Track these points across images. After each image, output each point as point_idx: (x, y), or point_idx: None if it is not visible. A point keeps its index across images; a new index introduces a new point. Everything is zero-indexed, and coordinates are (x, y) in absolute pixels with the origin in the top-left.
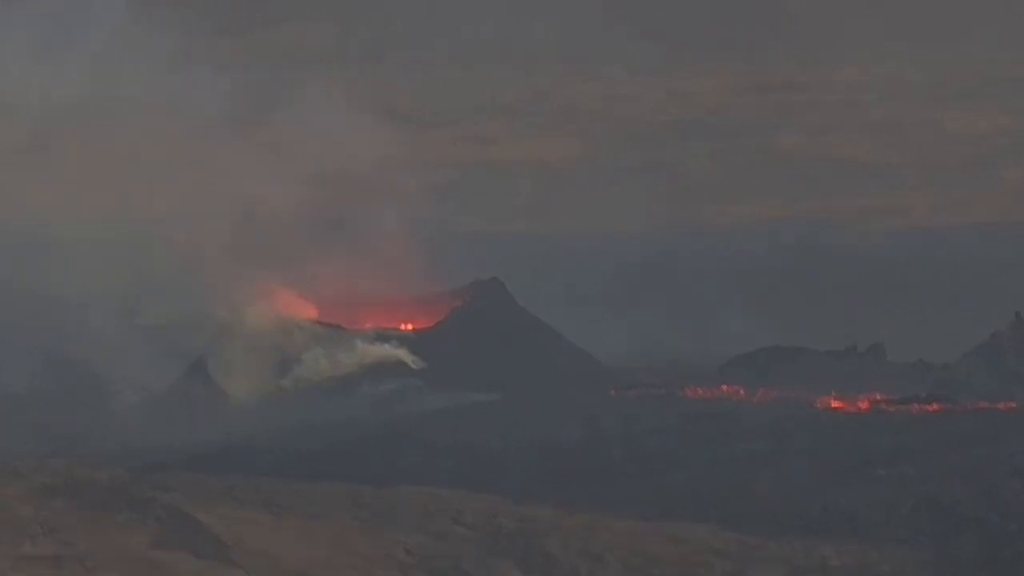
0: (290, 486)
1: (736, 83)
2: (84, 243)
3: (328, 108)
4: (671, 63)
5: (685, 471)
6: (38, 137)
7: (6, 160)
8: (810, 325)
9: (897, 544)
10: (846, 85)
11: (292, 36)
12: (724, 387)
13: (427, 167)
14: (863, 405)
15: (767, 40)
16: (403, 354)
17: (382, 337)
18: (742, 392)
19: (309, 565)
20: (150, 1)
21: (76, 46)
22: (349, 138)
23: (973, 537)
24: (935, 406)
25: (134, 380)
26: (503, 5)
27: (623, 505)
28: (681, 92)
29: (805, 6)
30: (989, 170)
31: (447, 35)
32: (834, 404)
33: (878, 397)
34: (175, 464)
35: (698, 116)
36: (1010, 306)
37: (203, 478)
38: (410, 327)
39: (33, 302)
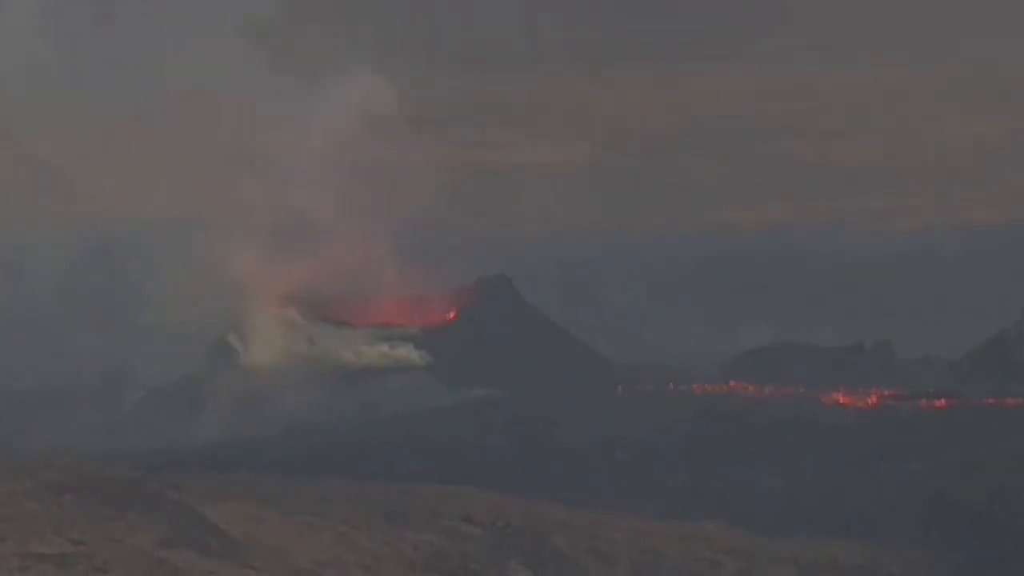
0: (298, 483)
1: (742, 87)
2: (89, 241)
3: (334, 109)
4: (679, 66)
5: (693, 469)
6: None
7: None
8: (818, 322)
9: (905, 542)
10: (853, 89)
11: (295, 39)
12: (732, 384)
13: (437, 169)
14: (871, 401)
15: (775, 44)
16: (411, 350)
17: (390, 334)
18: (750, 389)
19: (317, 562)
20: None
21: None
22: (357, 138)
23: (981, 533)
24: (942, 402)
25: (141, 377)
26: (510, 7)
27: (631, 503)
28: (688, 96)
29: (812, 12)
30: (995, 172)
31: (453, 37)
32: (842, 400)
33: (886, 393)
34: (184, 462)
35: (705, 119)
36: (1017, 303)
37: (211, 476)
38: (418, 324)
39: (39, 301)
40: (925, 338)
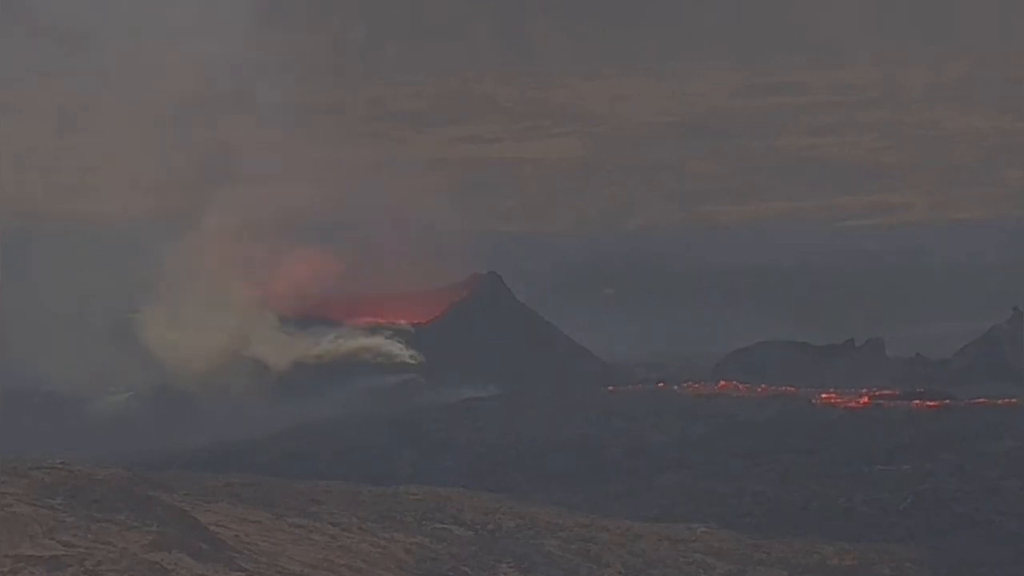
0: (289, 485)
1: (737, 83)
2: (76, 239)
3: (327, 106)
4: (672, 63)
5: (683, 469)
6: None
7: None
8: (808, 321)
9: (896, 543)
10: (846, 85)
11: (292, 38)
12: (722, 383)
13: (426, 165)
14: (862, 401)
15: (767, 40)
16: (401, 349)
17: (379, 331)
18: (740, 388)
19: (308, 565)
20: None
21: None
22: (349, 136)
23: (972, 535)
24: (934, 402)
25: (125, 378)
26: (502, 4)
27: (622, 504)
28: (682, 92)
29: (807, 7)
30: (988, 169)
31: (446, 33)
32: (832, 400)
33: (877, 393)
34: (174, 463)
35: (698, 116)
36: (1008, 301)
37: (202, 478)
38: (408, 322)
39: (31, 300)
40: (916, 337)
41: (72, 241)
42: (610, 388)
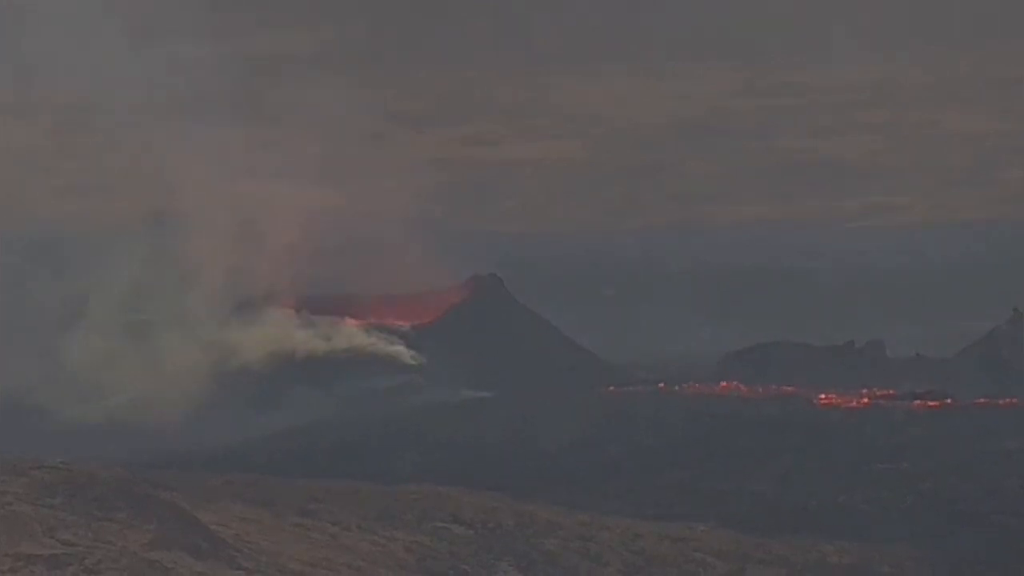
0: (289, 484)
1: (735, 84)
2: (77, 240)
3: (327, 107)
4: (672, 63)
5: (684, 469)
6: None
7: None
8: (809, 322)
9: (897, 542)
10: (845, 86)
11: (292, 38)
12: (723, 384)
13: (426, 166)
14: (862, 401)
15: (766, 41)
16: (401, 350)
17: (380, 333)
18: (741, 389)
19: (307, 563)
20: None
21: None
22: (349, 136)
23: (973, 534)
24: (934, 402)
25: (124, 379)
26: (502, 4)
27: (622, 503)
28: (680, 93)
29: (804, 7)
30: (987, 170)
31: (446, 34)
32: (833, 400)
33: (877, 393)
34: (174, 464)
35: (697, 117)
36: (1008, 302)
37: (203, 476)
38: (408, 323)
39: (30, 300)
40: (916, 337)
41: (66, 243)
42: (610, 388)
